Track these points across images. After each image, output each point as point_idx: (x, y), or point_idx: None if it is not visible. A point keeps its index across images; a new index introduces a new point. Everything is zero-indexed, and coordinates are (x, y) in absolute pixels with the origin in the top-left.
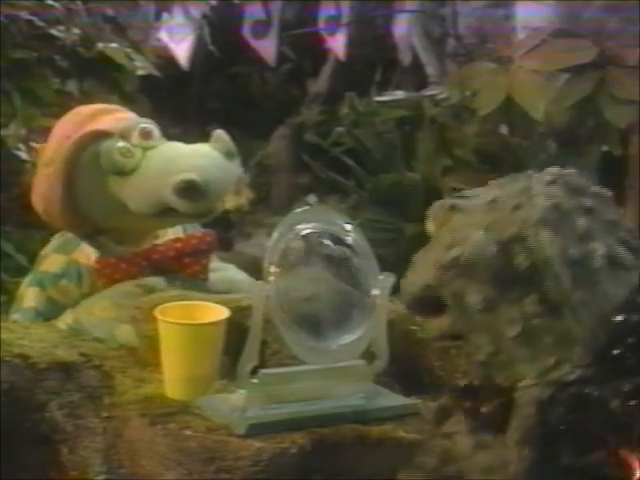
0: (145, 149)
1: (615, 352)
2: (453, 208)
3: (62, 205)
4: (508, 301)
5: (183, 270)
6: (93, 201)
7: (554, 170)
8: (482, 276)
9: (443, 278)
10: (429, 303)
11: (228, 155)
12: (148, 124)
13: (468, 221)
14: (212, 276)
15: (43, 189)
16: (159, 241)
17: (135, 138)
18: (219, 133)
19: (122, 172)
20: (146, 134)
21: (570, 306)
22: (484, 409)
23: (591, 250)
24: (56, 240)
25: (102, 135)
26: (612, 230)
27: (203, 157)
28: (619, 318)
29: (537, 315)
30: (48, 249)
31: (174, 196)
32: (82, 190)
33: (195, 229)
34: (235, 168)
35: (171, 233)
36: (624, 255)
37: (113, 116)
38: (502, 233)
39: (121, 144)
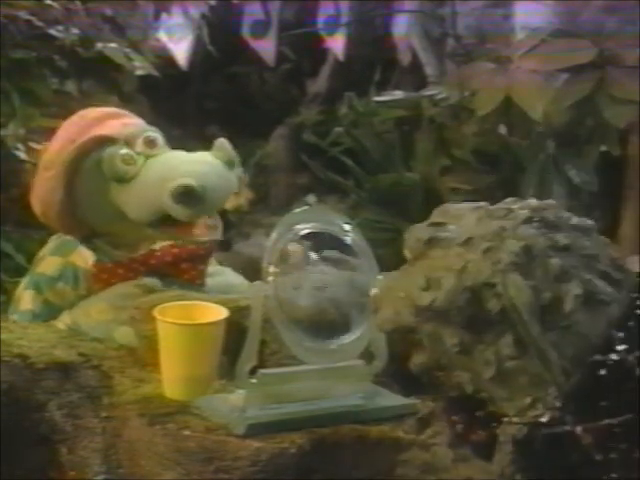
0: (147, 157)
1: (589, 391)
2: (430, 242)
3: (61, 208)
4: (483, 343)
5: (180, 276)
6: (92, 206)
7: (532, 204)
8: (457, 320)
9: (418, 319)
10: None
11: (229, 164)
12: (153, 132)
13: (442, 262)
14: (209, 281)
15: (42, 191)
16: (156, 246)
17: (139, 146)
18: (221, 142)
19: (123, 179)
20: (150, 142)
21: (539, 350)
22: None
23: (565, 291)
24: (53, 242)
25: (107, 141)
26: (592, 264)
27: (202, 164)
28: (594, 357)
29: (512, 357)
30: (45, 251)
31: (171, 201)
32: (82, 195)
33: None
34: (235, 177)
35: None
36: (603, 290)
37: (119, 121)
38: (474, 278)
39: (124, 151)
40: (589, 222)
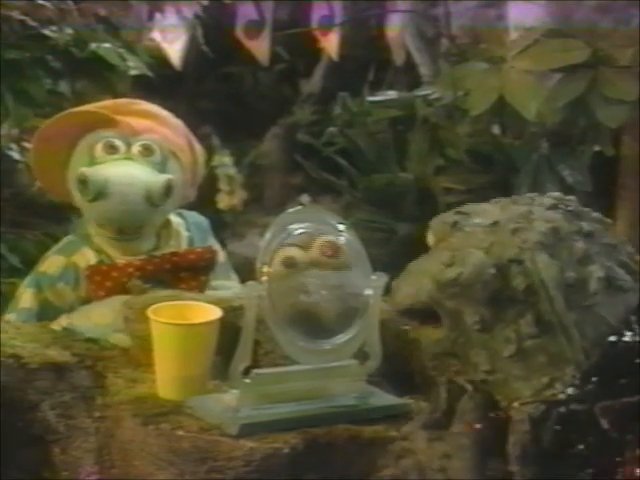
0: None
1: (607, 372)
2: (455, 225)
3: None
4: (504, 321)
5: (178, 285)
6: None
7: (555, 195)
8: (480, 296)
9: (440, 296)
10: (422, 313)
11: (152, 164)
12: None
13: (469, 241)
14: (210, 294)
15: None
16: (158, 252)
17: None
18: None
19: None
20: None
21: (563, 327)
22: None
23: (588, 273)
24: (61, 241)
25: None
26: (612, 253)
27: (118, 163)
28: (612, 339)
29: (532, 335)
30: (51, 250)
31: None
32: None
33: (204, 242)
34: (155, 178)
35: (173, 245)
36: (623, 277)
37: None
38: (501, 255)
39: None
40: (608, 219)
